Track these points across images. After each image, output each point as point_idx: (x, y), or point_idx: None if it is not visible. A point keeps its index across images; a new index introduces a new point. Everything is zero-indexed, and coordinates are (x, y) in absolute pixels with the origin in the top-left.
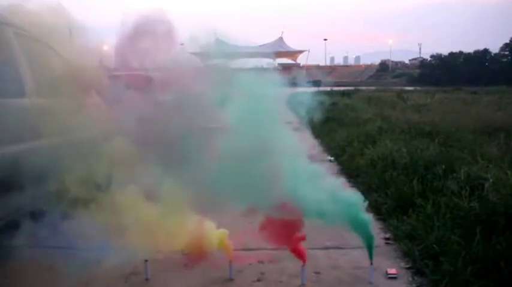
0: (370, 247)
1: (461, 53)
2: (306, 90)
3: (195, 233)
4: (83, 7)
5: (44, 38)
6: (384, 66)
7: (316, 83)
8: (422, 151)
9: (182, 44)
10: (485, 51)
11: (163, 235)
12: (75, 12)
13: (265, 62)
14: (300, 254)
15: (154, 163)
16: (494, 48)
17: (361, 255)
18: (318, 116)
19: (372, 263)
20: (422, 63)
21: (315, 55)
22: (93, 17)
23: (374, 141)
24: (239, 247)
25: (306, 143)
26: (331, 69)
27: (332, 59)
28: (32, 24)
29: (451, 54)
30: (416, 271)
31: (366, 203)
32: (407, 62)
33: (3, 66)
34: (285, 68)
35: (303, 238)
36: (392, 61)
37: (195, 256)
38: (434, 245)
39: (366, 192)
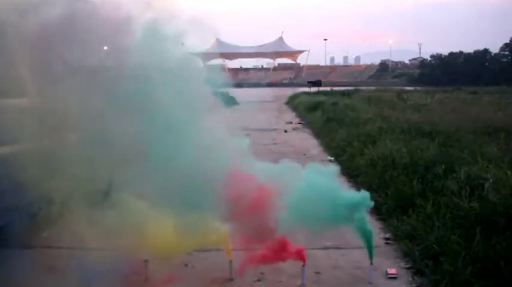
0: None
1: (461, 53)
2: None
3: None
4: None
5: None
6: (384, 66)
7: (317, 83)
8: (422, 151)
9: (183, 44)
10: (485, 51)
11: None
12: None
13: (265, 61)
14: (299, 255)
15: None
16: (494, 48)
17: (361, 255)
18: (318, 116)
19: (372, 263)
20: (422, 63)
21: (315, 55)
22: None
23: (374, 141)
24: (239, 247)
25: (306, 142)
26: (331, 69)
27: (332, 59)
28: None
29: (451, 54)
30: (416, 271)
31: None
32: (407, 62)
33: None
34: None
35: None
36: (392, 61)
37: None
38: (434, 245)
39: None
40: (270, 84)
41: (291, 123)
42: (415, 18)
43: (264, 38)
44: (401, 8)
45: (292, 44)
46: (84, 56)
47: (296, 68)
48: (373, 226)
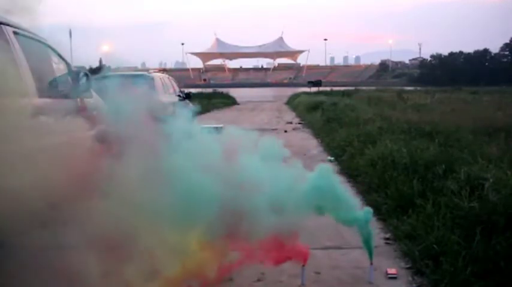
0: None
1: (461, 53)
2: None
3: None
4: (83, 8)
5: None
6: (384, 66)
7: (317, 83)
8: (422, 151)
9: (183, 44)
10: (485, 51)
11: None
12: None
13: (265, 61)
14: (301, 255)
15: None
16: (494, 48)
17: (361, 255)
18: (318, 116)
19: (371, 263)
20: (422, 63)
21: (315, 55)
22: (93, 18)
23: (374, 141)
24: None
25: (307, 142)
26: (331, 69)
27: (332, 59)
28: None
29: (451, 54)
30: (416, 271)
31: None
32: (407, 62)
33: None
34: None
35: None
36: (392, 61)
37: None
38: (434, 245)
39: (365, 192)
40: (270, 84)
41: (291, 123)
42: (415, 18)
43: (264, 38)
44: (401, 8)
45: (292, 44)
46: None
47: (296, 68)
48: (373, 226)
